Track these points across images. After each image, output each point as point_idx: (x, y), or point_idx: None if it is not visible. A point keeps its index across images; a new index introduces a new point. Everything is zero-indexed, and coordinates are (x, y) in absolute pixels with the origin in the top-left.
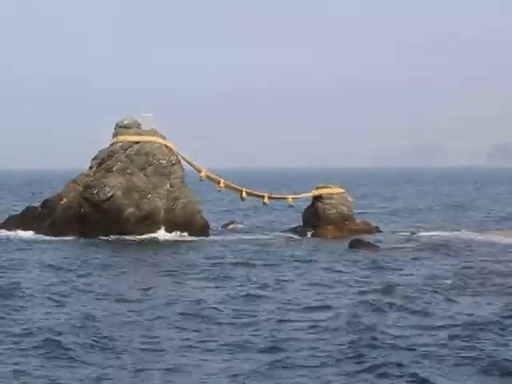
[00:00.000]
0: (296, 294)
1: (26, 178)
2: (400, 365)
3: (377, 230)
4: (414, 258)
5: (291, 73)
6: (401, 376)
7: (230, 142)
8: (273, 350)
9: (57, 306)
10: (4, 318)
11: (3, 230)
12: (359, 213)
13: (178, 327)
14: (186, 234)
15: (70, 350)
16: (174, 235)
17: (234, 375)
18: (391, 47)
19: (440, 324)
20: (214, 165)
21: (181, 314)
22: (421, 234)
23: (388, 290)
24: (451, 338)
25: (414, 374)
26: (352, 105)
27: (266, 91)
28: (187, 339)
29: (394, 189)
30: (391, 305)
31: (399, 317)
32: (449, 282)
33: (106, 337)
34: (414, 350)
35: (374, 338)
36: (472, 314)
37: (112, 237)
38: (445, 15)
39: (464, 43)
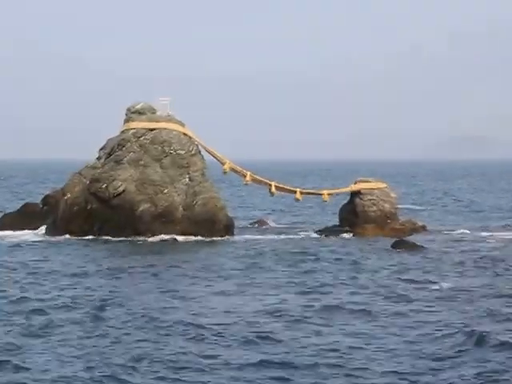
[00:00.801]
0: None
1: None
2: None
3: (424, 229)
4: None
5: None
6: None
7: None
8: None
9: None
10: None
11: None
12: (407, 209)
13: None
14: (207, 233)
15: None
16: (194, 235)
17: None
18: None
19: None
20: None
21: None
22: (488, 234)
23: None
24: None
25: None
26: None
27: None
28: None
29: (446, 183)
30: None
31: None
32: None
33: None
34: None
35: None
36: None
37: (124, 237)
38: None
39: None
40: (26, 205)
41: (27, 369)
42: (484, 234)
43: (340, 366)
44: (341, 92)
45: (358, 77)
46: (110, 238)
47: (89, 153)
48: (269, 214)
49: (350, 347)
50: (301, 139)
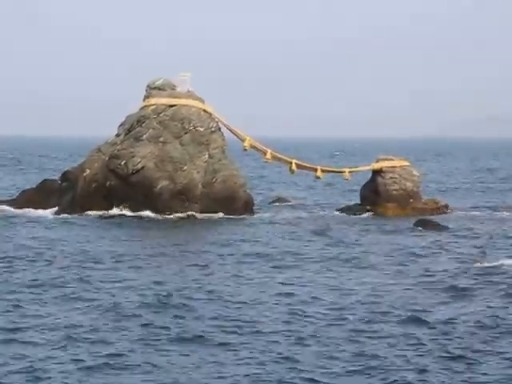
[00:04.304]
0: None
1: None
2: None
3: (447, 208)
4: None
5: None
6: None
7: None
8: None
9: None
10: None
11: (16, 208)
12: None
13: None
14: (226, 211)
15: None
16: (213, 213)
17: None
18: None
19: None
20: None
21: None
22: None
23: None
24: None
25: None
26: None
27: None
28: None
29: (472, 163)
30: None
31: None
32: None
33: None
34: None
35: None
36: None
37: (142, 214)
38: None
39: None
40: (44, 181)
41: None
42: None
43: None
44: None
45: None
46: (128, 215)
47: None
48: (289, 191)
49: None
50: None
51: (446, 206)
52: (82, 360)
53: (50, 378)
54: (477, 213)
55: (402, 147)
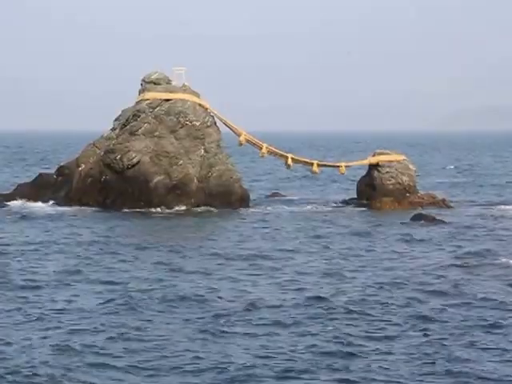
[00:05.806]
0: None
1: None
2: None
3: (444, 202)
4: None
5: None
6: None
7: None
8: None
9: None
10: None
11: (12, 201)
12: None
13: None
14: (222, 205)
15: None
16: (209, 207)
17: None
18: None
19: None
20: None
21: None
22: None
23: None
24: None
25: None
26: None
27: None
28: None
29: (470, 156)
30: None
31: None
32: None
33: None
34: None
35: None
36: None
37: (138, 209)
38: None
39: None
40: (40, 175)
41: None
42: (505, 207)
43: None
44: None
45: None
46: (123, 209)
47: None
48: (284, 186)
49: None
50: None
51: (444, 201)
52: None
53: None
54: (476, 208)
55: (410, 141)
